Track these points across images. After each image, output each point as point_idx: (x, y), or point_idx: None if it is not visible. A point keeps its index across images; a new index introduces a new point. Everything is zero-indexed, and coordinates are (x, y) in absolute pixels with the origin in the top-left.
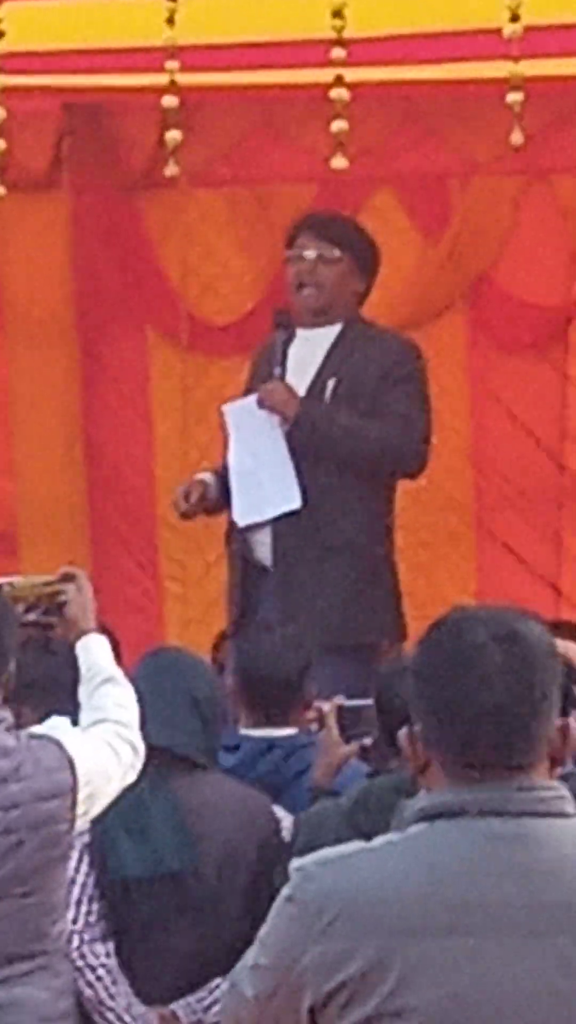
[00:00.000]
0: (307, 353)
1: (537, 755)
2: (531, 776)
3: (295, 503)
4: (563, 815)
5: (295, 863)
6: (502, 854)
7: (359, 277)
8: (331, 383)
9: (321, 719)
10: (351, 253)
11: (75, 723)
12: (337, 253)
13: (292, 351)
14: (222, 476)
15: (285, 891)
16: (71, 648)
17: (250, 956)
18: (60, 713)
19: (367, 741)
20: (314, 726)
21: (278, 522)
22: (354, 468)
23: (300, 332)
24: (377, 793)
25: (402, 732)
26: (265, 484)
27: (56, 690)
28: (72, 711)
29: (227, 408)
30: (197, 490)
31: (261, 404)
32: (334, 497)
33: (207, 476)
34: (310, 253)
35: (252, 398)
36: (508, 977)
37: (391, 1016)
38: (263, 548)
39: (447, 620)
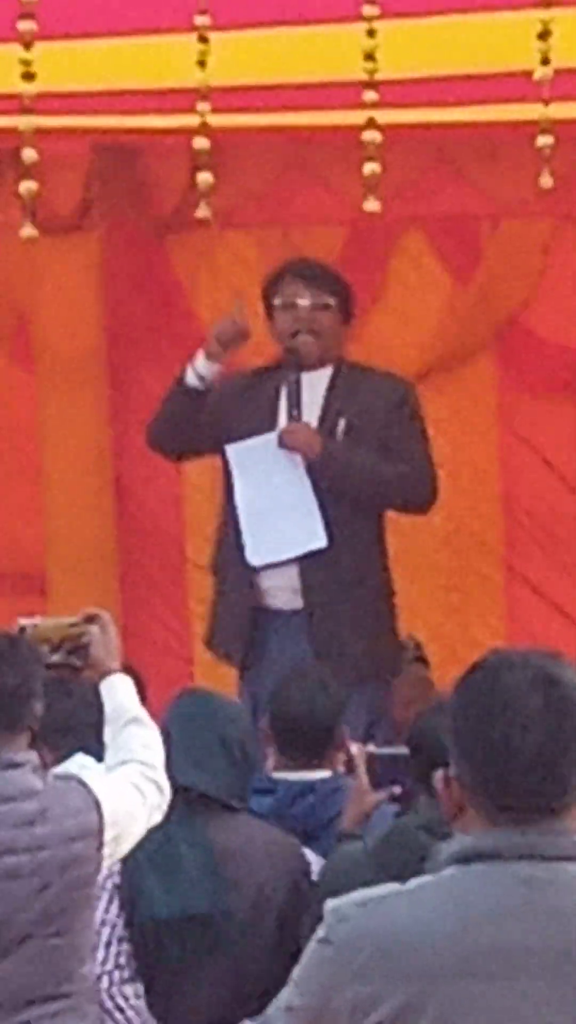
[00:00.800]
0: (308, 396)
1: (573, 799)
2: (566, 820)
3: (321, 542)
4: None
5: (329, 904)
6: (536, 898)
7: (344, 323)
8: (342, 423)
9: (351, 762)
10: (339, 300)
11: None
12: (330, 301)
13: (286, 394)
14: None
15: (319, 932)
16: (95, 689)
17: (283, 997)
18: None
19: (396, 789)
20: (343, 768)
21: (304, 563)
22: (370, 505)
23: (303, 374)
24: (402, 833)
25: (438, 774)
26: (285, 524)
27: (75, 732)
28: (89, 752)
29: (231, 448)
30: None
31: (282, 444)
32: (351, 534)
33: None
34: (304, 301)
35: (264, 438)
36: (539, 1022)
37: None
38: (281, 592)
39: (485, 663)
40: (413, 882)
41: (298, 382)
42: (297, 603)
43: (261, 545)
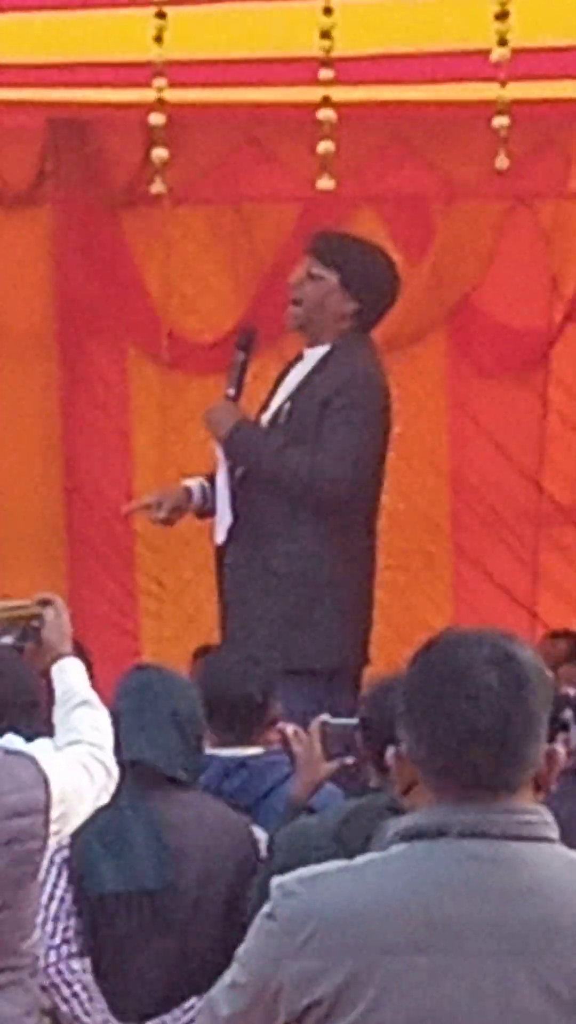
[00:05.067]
0: (297, 373)
1: (524, 777)
2: (516, 799)
3: (227, 520)
4: (546, 840)
5: (275, 881)
6: (482, 875)
7: (347, 297)
8: (287, 407)
9: (284, 739)
10: (339, 272)
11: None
12: (318, 271)
13: (295, 370)
14: (211, 480)
15: (265, 908)
16: (26, 670)
17: (228, 975)
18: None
19: (349, 760)
20: (278, 744)
21: (228, 543)
22: (282, 492)
23: (305, 351)
24: (366, 812)
25: (390, 751)
26: (219, 505)
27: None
28: (18, 733)
29: None
30: (170, 500)
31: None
32: (278, 521)
33: (193, 483)
34: (300, 270)
35: None
36: (483, 997)
37: None
38: None
39: (440, 640)
40: (360, 859)
41: (243, 364)
42: None
43: (217, 523)
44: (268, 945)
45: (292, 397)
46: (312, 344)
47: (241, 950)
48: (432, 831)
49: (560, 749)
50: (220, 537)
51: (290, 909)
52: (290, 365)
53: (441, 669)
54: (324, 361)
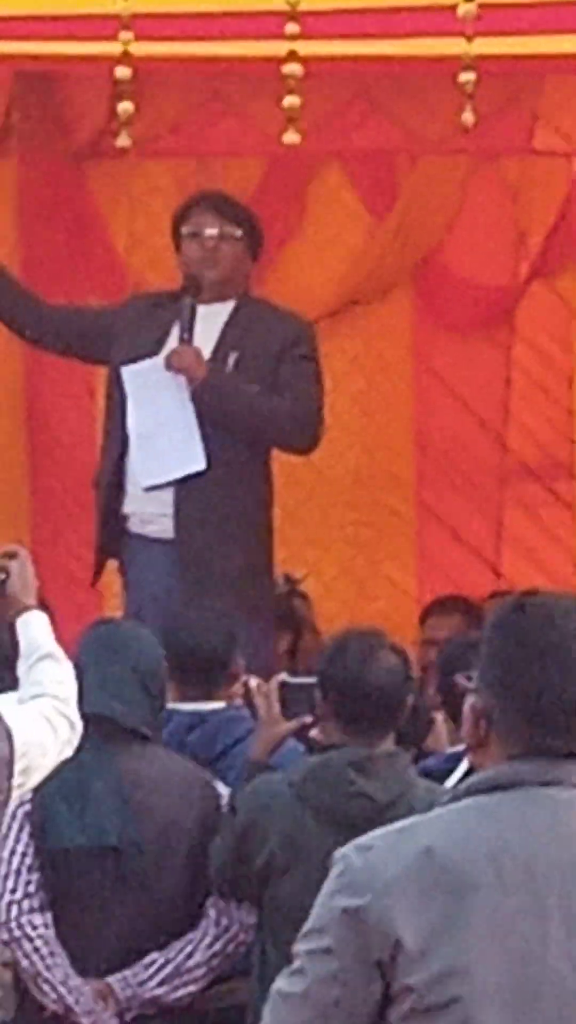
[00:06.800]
0: (205, 327)
1: None
2: None
3: (200, 464)
4: None
5: (339, 852)
6: (563, 819)
7: (250, 257)
8: (232, 357)
9: (248, 693)
10: (247, 233)
11: None
12: (238, 232)
13: (179, 320)
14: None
15: (333, 873)
16: (10, 625)
17: (296, 960)
18: None
19: (308, 719)
20: (240, 699)
21: (180, 492)
22: (251, 438)
23: (200, 308)
24: (331, 767)
25: (467, 705)
26: (169, 446)
27: None
28: None
29: (126, 370)
30: None
31: (169, 366)
32: (230, 466)
33: None
34: (212, 231)
35: (153, 361)
36: (548, 937)
37: (453, 975)
38: (161, 520)
39: (530, 606)
40: (433, 812)
41: (193, 309)
42: (167, 532)
43: (148, 468)
44: (350, 896)
45: (233, 348)
46: (214, 300)
47: (310, 923)
48: (509, 783)
49: None
50: (151, 481)
51: (368, 859)
52: (180, 310)
53: (537, 639)
54: (239, 314)
